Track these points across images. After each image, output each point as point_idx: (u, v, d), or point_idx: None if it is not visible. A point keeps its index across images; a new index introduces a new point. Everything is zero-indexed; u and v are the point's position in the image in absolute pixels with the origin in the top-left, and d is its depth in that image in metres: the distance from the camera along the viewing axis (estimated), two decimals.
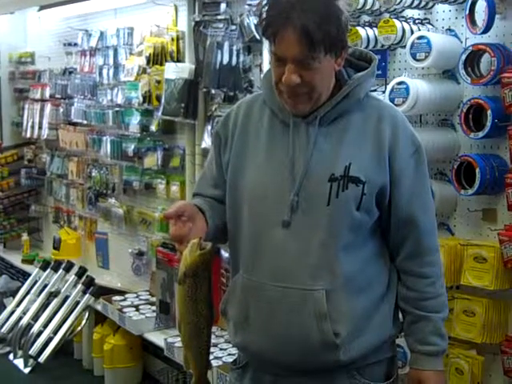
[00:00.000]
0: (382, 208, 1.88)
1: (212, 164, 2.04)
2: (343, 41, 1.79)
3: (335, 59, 1.80)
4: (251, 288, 1.90)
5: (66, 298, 4.94)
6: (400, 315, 1.99)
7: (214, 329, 3.73)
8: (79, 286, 4.90)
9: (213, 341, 3.63)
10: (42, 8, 5.61)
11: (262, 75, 2.35)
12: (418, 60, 2.63)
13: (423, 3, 2.76)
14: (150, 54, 4.33)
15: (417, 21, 2.80)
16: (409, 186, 1.87)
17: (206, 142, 3.96)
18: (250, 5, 3.62)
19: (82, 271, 5.08)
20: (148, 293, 4.61)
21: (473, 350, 2.63)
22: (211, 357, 3.45)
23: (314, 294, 1.82)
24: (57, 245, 5.55)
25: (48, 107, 5.79)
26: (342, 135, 1.85)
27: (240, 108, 1.99)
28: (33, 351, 4.77)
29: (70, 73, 5.48)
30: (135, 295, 4.58)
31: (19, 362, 4.90)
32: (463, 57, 2.57)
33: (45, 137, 5.86)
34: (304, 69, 1.75)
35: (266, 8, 1.80)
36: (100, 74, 4.97)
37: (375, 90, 2.83)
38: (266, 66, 3.42)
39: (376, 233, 1.91)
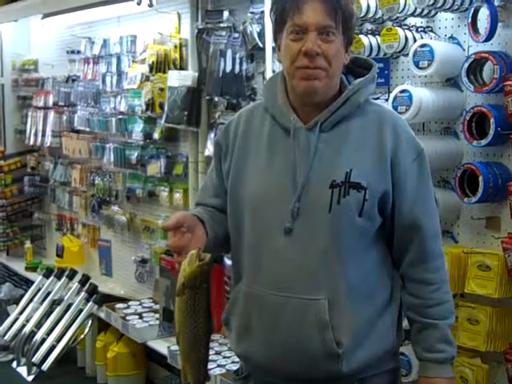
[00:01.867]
0: (386, 214, 1.87)
1: (213, 173, 2.04)
2: (353, 29, 1.87)
3: (345, 49, 1.84)
4: (253, 297, 1.89)
5: (70, 305, 4.93)
6: (404, 324, 1.99)
7: (217, 337, 3.74)
8: (82, 294, 4.90)
9: (216, 349, 3.64)
10: (45, 16, 5.63)
11: (264, 83, 2.36)
12: (420, 68, 2.63)
13: (426, 11, 2.76)
14: (152, 62, 4.33)
15: (419, 29, 2.80)
16: (412, 191, 1.86)
17: (209, 149, 3.96)
18: (252, 13, 3.63)
19: (85, 279, 5.08)
20: (151, 300, 4.60)
21: (477, 359, 2.62)
22: (215, 365, 3.44)
23: (315, 304, 1.81)
24: (60, 252, 5.56)
25: (51, 115, 5.80)
26: (343, 141, 1.85)
27: (241, 117, 2.00)
28: (36, 359, 4.75)
29: (73, 80, 5.49)
30: (138, 303, 4.57)
31: (22, 370, 4.90)
32: (466, 65, 2.58)
33: (48, 144, 5.87)
34: (323, 40, 1.78)
35: None
36: (103, 81, 4.98)
37: (378, 98, 2.83)
38: (268, 74, 3.42)
39: (379, 241, 1.90)
